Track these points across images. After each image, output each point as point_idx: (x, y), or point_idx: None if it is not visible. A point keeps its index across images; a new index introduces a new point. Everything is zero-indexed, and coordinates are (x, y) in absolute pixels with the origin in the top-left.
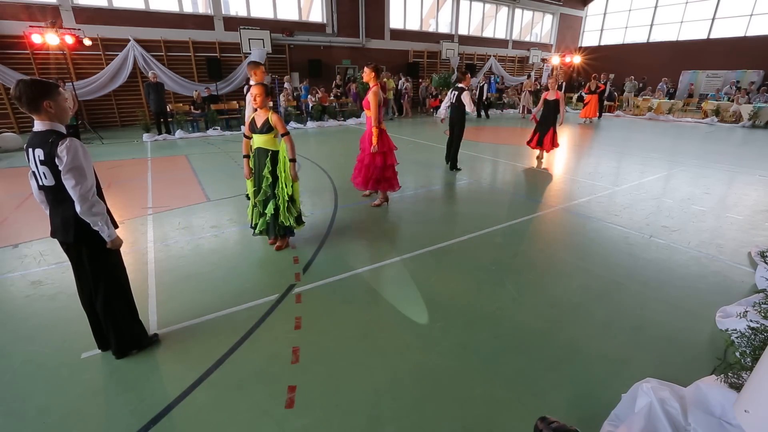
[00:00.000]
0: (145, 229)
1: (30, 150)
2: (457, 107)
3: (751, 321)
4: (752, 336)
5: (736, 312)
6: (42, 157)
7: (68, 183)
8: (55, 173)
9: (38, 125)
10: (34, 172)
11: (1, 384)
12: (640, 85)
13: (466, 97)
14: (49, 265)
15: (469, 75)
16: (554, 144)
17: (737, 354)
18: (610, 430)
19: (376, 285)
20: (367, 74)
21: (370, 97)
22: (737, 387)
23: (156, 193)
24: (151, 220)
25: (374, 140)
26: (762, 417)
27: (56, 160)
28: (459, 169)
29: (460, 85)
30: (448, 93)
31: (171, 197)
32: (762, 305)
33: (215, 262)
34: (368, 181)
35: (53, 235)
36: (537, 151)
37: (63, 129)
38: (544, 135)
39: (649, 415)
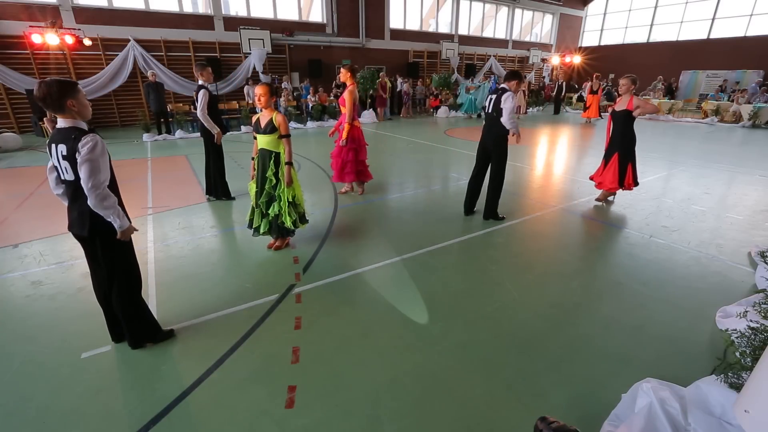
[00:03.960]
0: (145, 229)
1: (53, 145)
2: (498, 120)
3: (751, 321)
4: (752, 336)
5: (736, 312)
6: (65, 152)
7: (82, 174)
8: (75, 168)
9: (61, 122)
10: (56, 167)
11: (1, 384)
12: (667, 85)
13: (508, 102)
14: (49, 265)
15: (521, 81)
16: (625, 182)
17: (737, 354)
18: (610, 430)
19: (376, 285)
20: (344, 74)
21: (345, 95)
22: (737, 387)
23: (156, 193)
24: (151, 220)
25: (344, 135)
26: (762, 417)
27: (77, 155)
28: (503, 217)
29: (503, 85)
30: (486, 98)
31: (171, 197)
32: (762, 305)
33: (215, 262)
34: (344, 174)
35: (70, 228)
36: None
37: (85, 126)
38: (607, 163)
39: (649, 415)
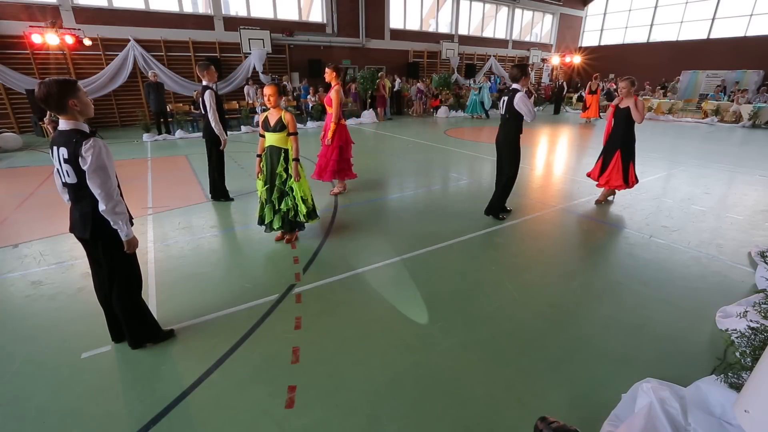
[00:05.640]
0: (145, 229)
1: (55, 148)
2: (509, 122)
3: (751, 321)
4: (752, 336)
5: (736, 312)
6: (66, 156)
7: (93, 182)
8: (78, 171)
9: (63, 124)
10: (57, 170)
11: (1, 384)
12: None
13: (521, 102)
14: (49, 265)
15: (527, 74)
16: (629, 180)
17: (737, 354)
18: (610, 430)
19: (376, 285)
20: (329, 74)
21: (332, 95)
22: (737, 387)
23: (156, 193)
24: (151, 220)
25: (329, 134)
26: (762, 417)
27: (80, 160)
28: (503, 218)
29: (514, 86)
30: (500, 101)
31: (171, 197)
32: (762, 305)
33: (215, 262)
34: (325, 172)
35: (71, 230)
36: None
37: (86, 128)
38: (608, 162)
39: (649, 415)
